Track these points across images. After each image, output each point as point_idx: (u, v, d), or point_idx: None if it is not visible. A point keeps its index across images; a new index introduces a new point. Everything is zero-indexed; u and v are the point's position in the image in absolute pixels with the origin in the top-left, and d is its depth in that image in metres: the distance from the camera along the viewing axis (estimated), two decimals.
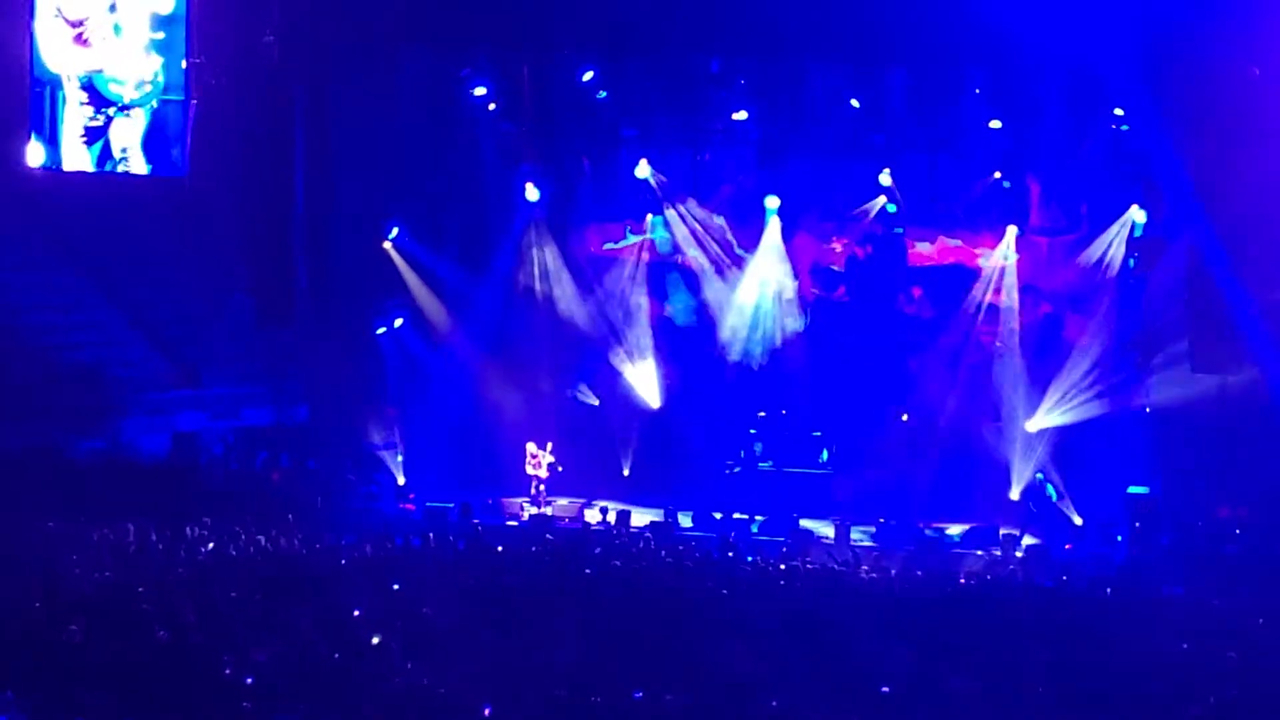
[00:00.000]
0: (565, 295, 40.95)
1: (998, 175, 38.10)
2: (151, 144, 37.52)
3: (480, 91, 38.90)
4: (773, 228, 39.51)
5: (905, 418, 38.55)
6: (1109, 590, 26.71)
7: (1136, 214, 36.88)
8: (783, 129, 38.86)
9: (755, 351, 39.84)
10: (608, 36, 37.20)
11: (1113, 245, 37.22)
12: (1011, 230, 38.22)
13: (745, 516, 36.02)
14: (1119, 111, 36.24)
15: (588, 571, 25.35)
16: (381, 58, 37.88)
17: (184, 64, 37.48)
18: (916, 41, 35.74)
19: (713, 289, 40.29)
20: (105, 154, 37.38)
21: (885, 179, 38.54)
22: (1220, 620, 23.82)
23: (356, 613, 21.69)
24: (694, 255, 40.40)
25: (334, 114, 37.89)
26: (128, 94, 37.55)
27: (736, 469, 38.82)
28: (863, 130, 38.37)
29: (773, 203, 39.34)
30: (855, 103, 37.81)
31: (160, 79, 37.57)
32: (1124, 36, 33.67)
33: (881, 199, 38.78)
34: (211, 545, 26.59)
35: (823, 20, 35.14)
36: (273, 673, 18.23)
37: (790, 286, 39.83)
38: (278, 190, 37.48)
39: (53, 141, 36.75)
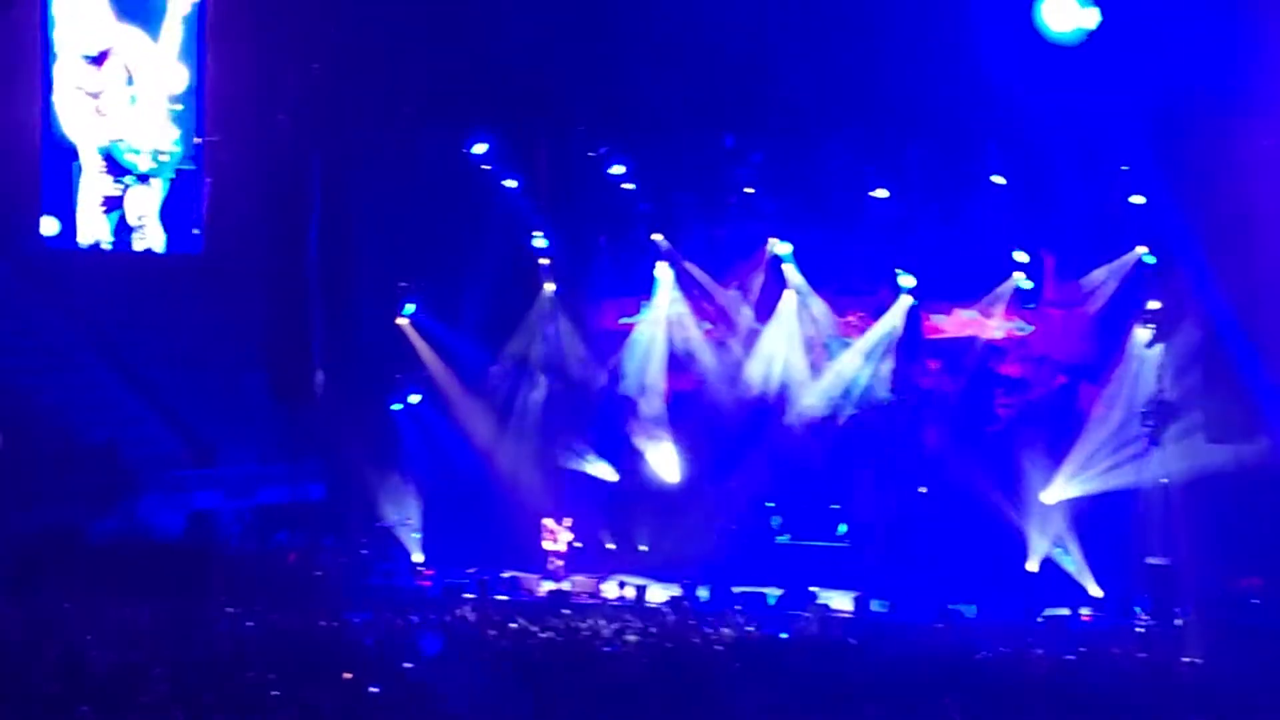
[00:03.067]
0: (581, 369, 41.03)
1: (1014, 251, 38.09)
2: (169, 214, 37.70)
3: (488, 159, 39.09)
4: (788, 299, 39.62)
5: (923, 490, 38.46)
6: (1128, 661, 26.66)
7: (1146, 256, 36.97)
8: (797, 202, 38.91)
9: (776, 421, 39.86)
10: (623, 112, 37.40)
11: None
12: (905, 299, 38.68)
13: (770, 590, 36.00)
14: (1137, 199, 36.36)
15: (607, 649, 25.30)
16: (397, 134, 38.05)
17: (196, 141, 37.65)
18: (931, 117, 35.95)
19: (722, 362, 40.35)
20: (122, 224, 37.55)
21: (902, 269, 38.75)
22: (1238, 691, 23.74)
23: (374, 689, 21.70)
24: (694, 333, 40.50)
25: (349, 191, 38.11)
26: (145, 164, 37.76)
27: (778, 524, 38.91)
28: (877, 204, 38.35)
29: (785, 249, 39.46)
30: (884, 192, 38.00)
31: (179, 149, 37.79)
32: (1137, 110, 33.82)
33: (898, 271, 38.83)
34: (228, 625, 26.56)
35: (837, 95, 35.34)
36: None
37: (802, 359, 39.87)
38: (293, 267, 37.65)
39: (70, 211, 36.91)
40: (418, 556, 38.16)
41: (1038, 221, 37.68)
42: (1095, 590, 35.19)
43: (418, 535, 38.81)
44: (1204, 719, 21.46)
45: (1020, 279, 38.20)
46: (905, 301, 39.09)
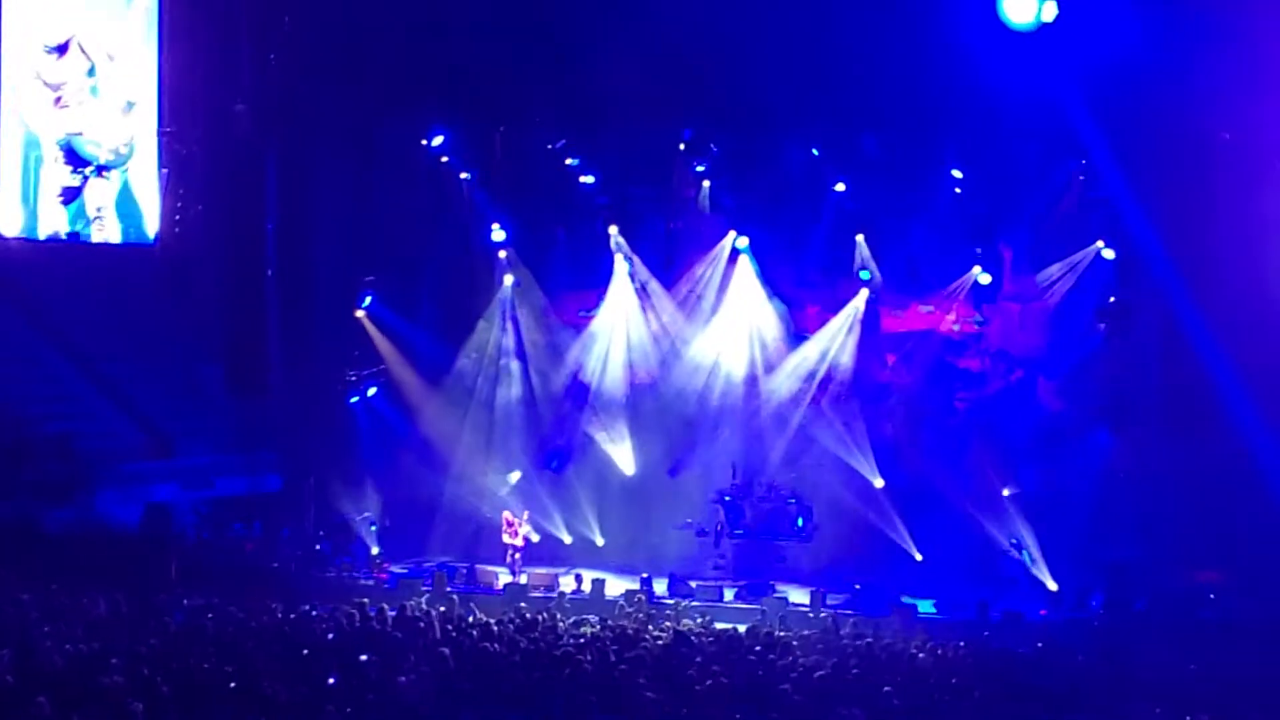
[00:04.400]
0: (540, 362, 41.03)
1: (972, 247, 38.20)
2: (126, 208, 37.67)
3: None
4: (744, 273, 39.73)
5: (880, 484, 38.52)
6: (1083, 656, 26.77)
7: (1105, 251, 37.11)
8: (756, 197, 38.96)
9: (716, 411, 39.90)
10: (581, 105, 37.42)
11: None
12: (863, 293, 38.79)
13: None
14: (1096, 194, 36.57)
15: (565, 642, 25.31)
16: (355, 126, 38.00)
17: (155, 133, 37.60)
18: (889, 110, 36.07)
19: (679, 355, 40.39)
20: (80, 215, 37.53)
21: (860, 245, 38.77)
22: (1195, 686, 23.87)
23: (331, 680, 21.68)
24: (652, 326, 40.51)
25: (307, 182, 38.01)
26: (104, 156, 37.74)
27: (690, 521, 38.91)
28: (836, 197, 38.47)
29: (742, 242, 39.52)
30: (841, 186, 38.17)
31: (137, 141, 37.74)
32: (1096, 105, 33.98)
33: (856, 265, 38.91)
34: (185, 616, 26.50)
35: (796, 89, 35.43)
36: None
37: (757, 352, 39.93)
38: (250, 258, 37.56)
39: (27, 203, 36.83)
40: (375, 549, 38.05)
41: (996, 216, 37.82)
42: (1051, 584, 35.28)
43: (375, 528, 38.73)
44: (1159, 710, 21.59)
45: (978, 273, 38.24)
46: (863, 295, 39.10)
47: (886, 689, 21.65)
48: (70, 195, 37.50)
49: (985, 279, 38.31)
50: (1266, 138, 34.08)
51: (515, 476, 39.57)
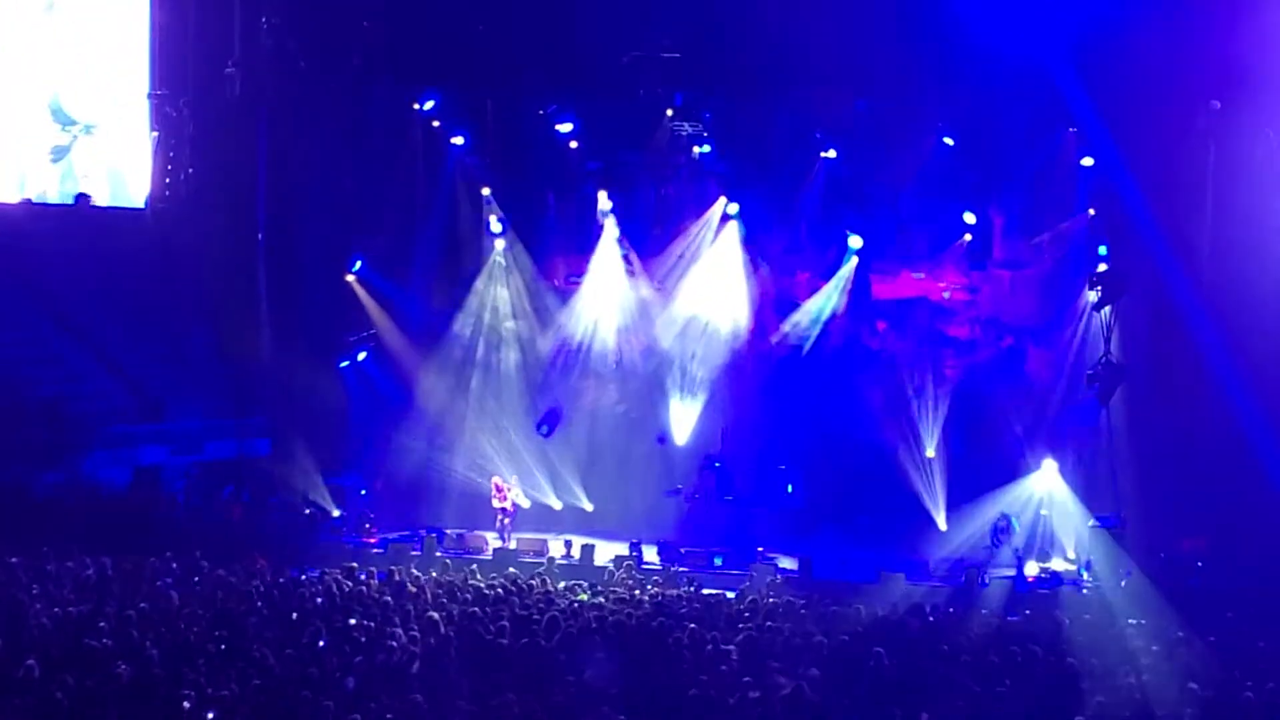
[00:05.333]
0: (529, 328, 40.96)
1: (963, 212, 38.10)
2: (116, 167, 37.61)
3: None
4: (733, 238, 39.67)
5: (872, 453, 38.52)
6: (1070, 621, 26.77)
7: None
8: (747, 163, 38.87)
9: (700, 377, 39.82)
10: (571, 70, 37.30)
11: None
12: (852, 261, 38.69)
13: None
14: (1086, 162, 36.48)
15: (555, 609, 25.28)
16: (346, 91, 37.86)
17: (145, 94, 37.50)
18: (880, 77, 35.99)
19: (667, 321, 40.33)
20: (69, 175, 37.45)
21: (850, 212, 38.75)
22: (1184, 653, 23.88)
23: (321, 643, 21.66)
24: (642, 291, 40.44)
25: (298, 146, 37.85)
26: (93, 115, 37.63)
27: (680, 487, 38.86)
28: (828, 164, 38.40)
29: (733, 208, 39.38)
30: (831, 153, 38.11)
31: (127, 101, 37.64)
32: (1089, 73, 33.92)
33: (847, 232, 38.83)
34: (174, 579, 26.46)
35: (786, 56, 35.32)
36: (237, 708, 18.14)
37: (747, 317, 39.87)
38: (241, 222, 37.42)
39: (15, 163, 36.76)
40: (364, 514, 37.97)
41: (987, 182, 37.73)
42: (1031, 569, 35.21)
43: (364, 492, 38.69)
44: (1149, 678, 21.59)
45: (969, 240, 38.16)
46: (853, 262, 39.03)
47: (878, 649, 21.68)
48: (59, 155, 37.40)
49: (975, 247, 38.21)
50: (1257, 105, 34.01)
51: (515, 483, 39.26)
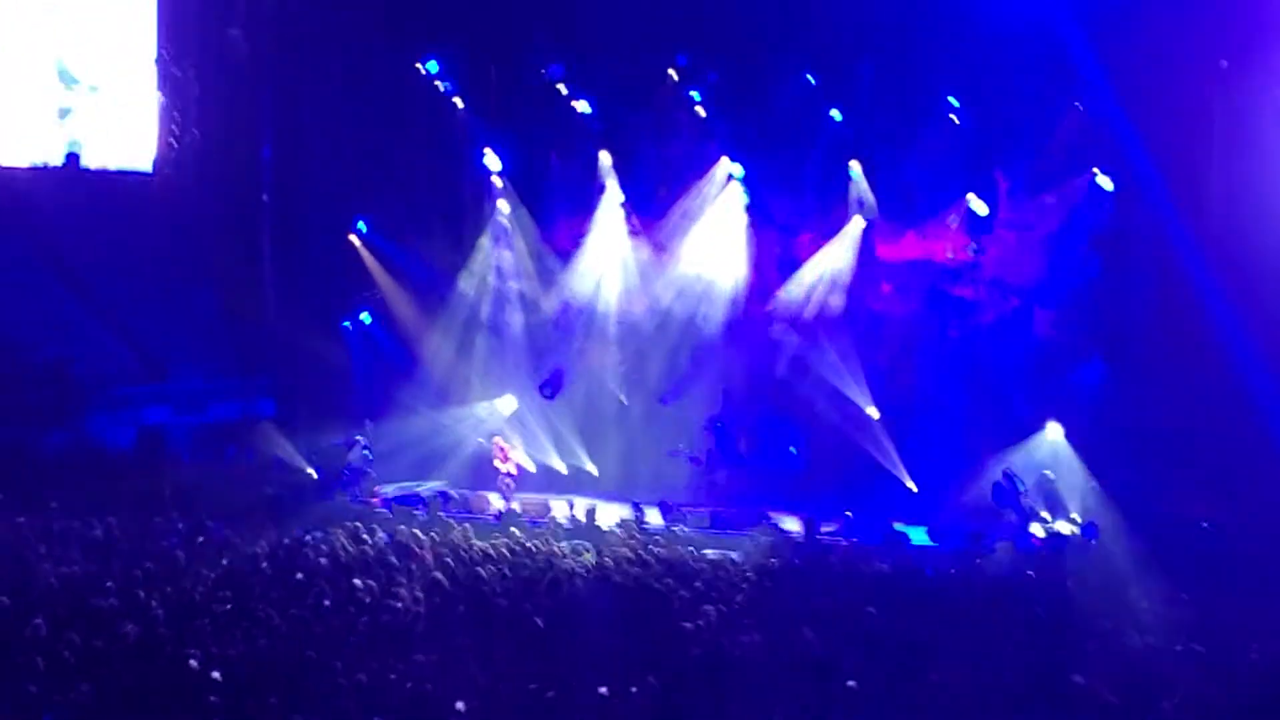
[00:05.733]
0: (532, 289, 40.95)
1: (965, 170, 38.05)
2: (121, 129, 37.60)
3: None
4: (736, 199, 39.60)
5: (875, 413, 38.49)
6: (1076, 585, 26.80)
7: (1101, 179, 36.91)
8: (750, 124, 38.80)
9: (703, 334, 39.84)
10: (574, 31, 37.24)
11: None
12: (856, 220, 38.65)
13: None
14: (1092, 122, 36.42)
15: (558, 570, 25.33)
16: (350, 52, 37.79)
17: (152, 58, 37.46)
18: (885, 37, 35.92)
19: (671, 283, 40.30)
20: (74, 135, 37.44)
21: (855, 172, 38.62)
22: (1188, 615, 23.92)
23: (330, 599, 21.74)
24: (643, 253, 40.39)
25: (301, 107, 37.83)
26: (98, 78, 37.59)
27: (683, 448, 38.83)
28: (831, 124, 38.32)
29: (736, 169, 39.32)
30: (837, 114, 38.02)
31: (132, 65, 37.59)
32: (1093, 30, 33.83)
33: (851, 193, 38.76)
34: (179, 540, 26.51)
35: (790, 15, 35.25)
36: (243, 668, 18.21)
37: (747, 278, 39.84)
38: (245, 183, 37.42)
39: (20, 124, 36.75)
40: (368, 474, 38.00)
41: (992, 144, 37.64)
42: (1045, 514, 35.21)
43: (369, 453, 38.69)
44: (1154, 640, 21.64)
45: (973, 201, 38.08)
46: (858, 223, 38.97)
47: (870, 609, 21.76)
48: (64, 115, 37.39)
49: (981, 207, 38.15)
50: (1264, 65, 33.92)
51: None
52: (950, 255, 39.06)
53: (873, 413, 38.33)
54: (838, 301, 39.18)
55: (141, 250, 39.28)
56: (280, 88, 37.55)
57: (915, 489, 36.92)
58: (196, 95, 38.32)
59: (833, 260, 39.19)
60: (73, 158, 37.98)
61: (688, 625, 21.29)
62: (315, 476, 37.10)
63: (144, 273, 39.43)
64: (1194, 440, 34.62)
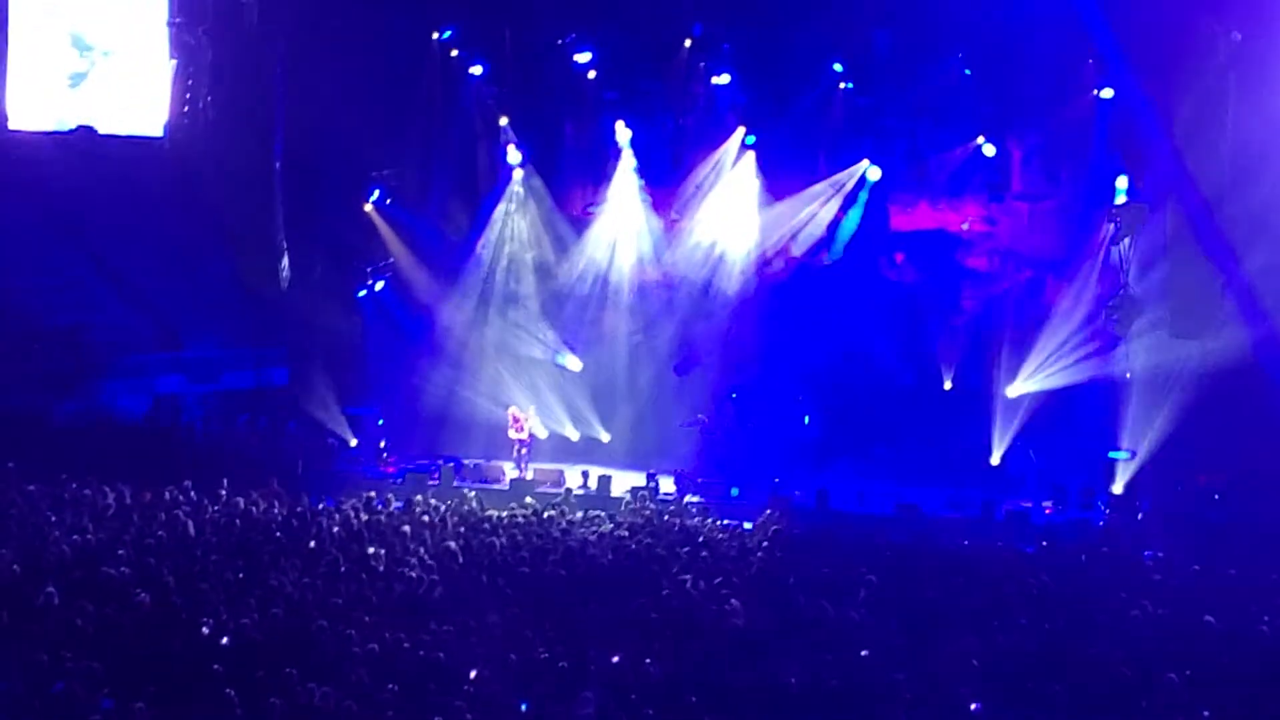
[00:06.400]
0: (546, 257, 40.94)
1: (980, 140, 37.90)
2: (135, 95, 37.60)
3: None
4: (750, 169, 39.57)
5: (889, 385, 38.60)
6: (1088, 555, 26.84)
7: (1119, 181, 36.81)
8: (765, 93, 38.72)
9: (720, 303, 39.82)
10: (590, 1, 37.21)
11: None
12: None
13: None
14: (1105, 94, 36.28)
15: (572, 539, 25.38)
16: (365, 19, 37.67)
17: (165, 23, 37.41)
18: (900, 7, 35.85)
19: (685, 251, 40.29)
20: (87, 100, 37.46)
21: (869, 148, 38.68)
22: (1199, 585, 23.94)
23: (343, 568, 21.79)
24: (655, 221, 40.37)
25: (315, 75, 37.70)
26: (112, 42, 37.58)
27: (702, 417, 38.82)
28: (846, 95, 38.24)
29: (750, 139, 39.25)
30: (849, 84, 37.90)
31: (145, 31, 37.57)
32: (1110, 3, 33.74)
33: (865, 163, 38.67)
34: (192, 508, 26.55)
35: None
36: (256, 636, 18.26)
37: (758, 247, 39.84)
38: (259, 151, 37.27)
39: (33, 89, 36.80)
40: (382, 443, 38.05)
41: (1005, 114, 37.54)
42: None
43: (382, 422, 38.77)
44: (1164, 611, 21.64)
45: (989, 166, 38.04)
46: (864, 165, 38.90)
47: (870, 577, 21.85)
48: (77, 81, 37.39)
49: (996, 178, 38.07)
50: (1277, 38, 33.79)
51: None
52: (964, 226, 39.04)
53: (886, 384, 38.36)
54: (851, 271, 39.20)
55: (154, 217, 39.18)
56: (294, 54, 37.38)
57: (926, 458, 36.90)
58: (210, 61, 38.11)
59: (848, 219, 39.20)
60: (87, 129, 37.93)
61: (699, 594, 21.34)
62: (328, 445, 37.20)
63: (157, 240, 39.34)
64: (1207, 410, 34.51)
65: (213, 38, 37.27)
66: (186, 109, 37.62)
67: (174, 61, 37.45)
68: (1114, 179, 36.87)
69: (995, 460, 36.69)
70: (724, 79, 38.61)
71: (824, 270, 39.61)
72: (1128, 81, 35.10)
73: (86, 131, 37.54)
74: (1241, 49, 33.43)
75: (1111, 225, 36.20)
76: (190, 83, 37.59)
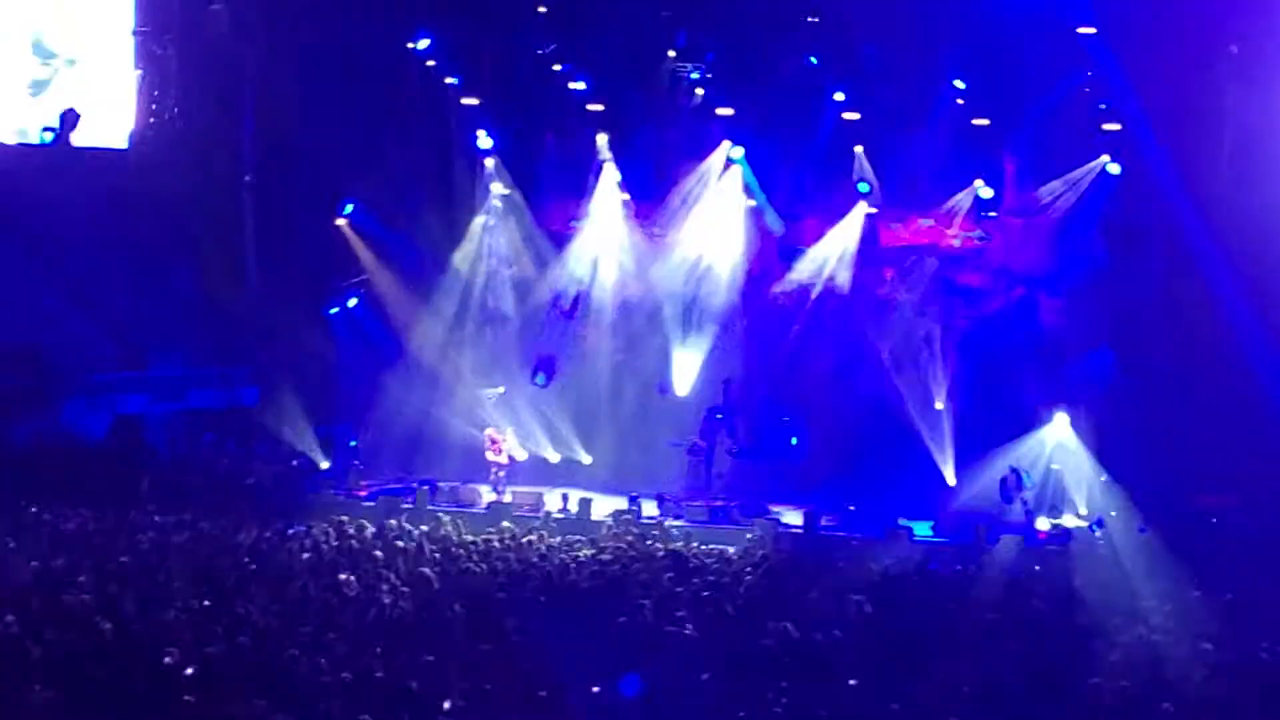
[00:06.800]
0: (526, 273, 40.95)
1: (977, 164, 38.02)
2: (96, 106, 37.58)
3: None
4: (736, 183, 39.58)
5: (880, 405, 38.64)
6: (1081, 579, 26.87)
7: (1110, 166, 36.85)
8: (751, 106, 38.73)
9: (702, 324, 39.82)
10: (570, 7, 37.23)
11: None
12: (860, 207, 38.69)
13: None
14: (1102, 106, 36.39)
15: (550, 564, 25.40)
16: (338, 27, 37.65)
17: (131, 31, 37.42)
18: (889, 18, 35.91)
19: (669, 267, 40.29)
20: (50, 108, 37.44)
21: (859, 157, 38.63)
22: (1197, 612, 23.97)
23: (313, 595, 21.76)
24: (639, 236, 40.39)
25: (286, 85, 37.72)
26: (75, 50, 37.60)
27: (698, 441, 38.84)
28: (834, 106, 38.23)
29: (737, 152, 39.31)
30: (840, 96, 37.94)
31: (110, 39, 37.58)
32: (1105, 16, 33.88)
33: (855, 177, 38.76)
34: (156, 533, 26.52)
35: None
36: (224, 666, 18.22)
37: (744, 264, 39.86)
38: (228, 164, 37.30)
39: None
40: (354, 466, 37.99)
41: (999, 128, 37.60)
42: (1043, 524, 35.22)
43: (355, 444, 38.71)
44: (1158, 638, 21.69)
45: (980, 187, 38.09)
46: (862, 208, 38.95)
47: (858, 597, 21.86)
48: (39, 89, 37.40)
49: (987, 192, 38.13)
50: (1276, 49, 33.94)
51: (497, 391, 39.49)
52: (956, 242, 39.08)
53: (876, 403, 38.38)
54: (842, 286, 39.19)
55: (119, 231, 39.14)
56: (264, 64, 37.41)
57: (918, 480, 36.88)
58: (176, 70, 38.18)
59: (836, 246, 39.17)
60: (51, 129, 37.91)
61: (683, 621, 21.35)
62: (299, 467, 37.12)
63: (120, 255, 39.30)
64: (1205, 431, 34.60)
65: (180, 46, 37.30)
66: (153, 120, 37.66)
67: (139, 71, 37.45)
68: (1109, 194, 36.89)
69: (989, 482, 36.62)
70: (708, 90, 38.61)
71: (810, 286, 39.54)
72: (1124, 94, 35.23)
73: (47, 142, 37.49)
74: (1239, 62, 33.59)
75: (1107, 241, 36.24)
76: (156, 93, 37.62)
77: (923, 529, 33.99)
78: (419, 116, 39.89)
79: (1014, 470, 35.70)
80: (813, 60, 38.04)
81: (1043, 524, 34.60)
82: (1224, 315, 34.00)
